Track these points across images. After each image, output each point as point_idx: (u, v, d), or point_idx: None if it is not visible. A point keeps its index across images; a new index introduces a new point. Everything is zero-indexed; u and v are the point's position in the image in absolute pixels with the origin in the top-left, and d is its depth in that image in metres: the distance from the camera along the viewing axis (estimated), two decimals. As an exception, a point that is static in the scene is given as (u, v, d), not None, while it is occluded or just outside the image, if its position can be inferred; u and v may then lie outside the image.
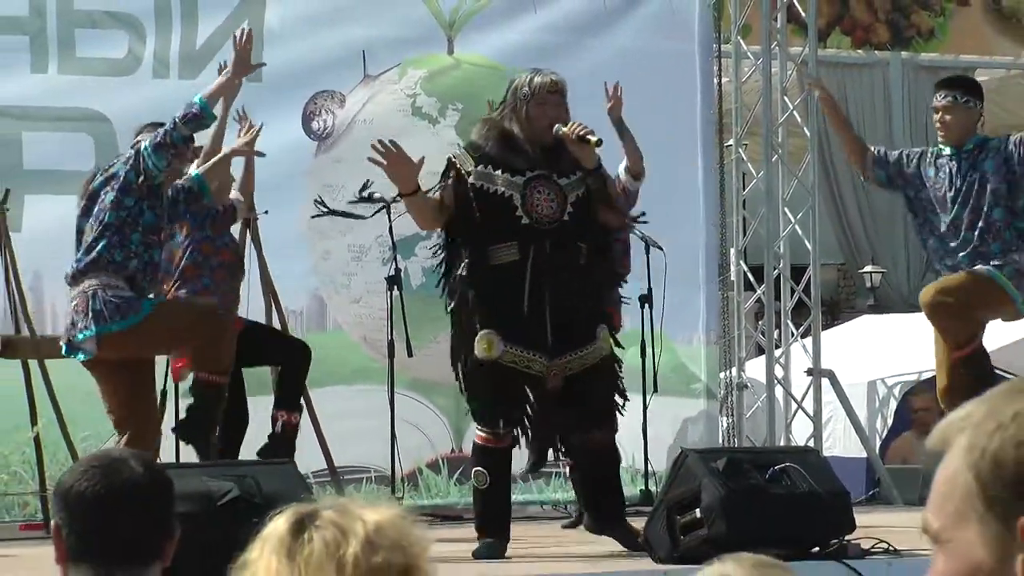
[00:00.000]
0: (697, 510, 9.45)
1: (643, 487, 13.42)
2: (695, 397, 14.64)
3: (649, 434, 13.12)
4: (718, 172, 14.91)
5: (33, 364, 11.89)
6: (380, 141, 9.99)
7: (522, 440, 9.99)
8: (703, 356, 14.70)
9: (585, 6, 14.69)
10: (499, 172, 9.75)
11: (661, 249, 12.92)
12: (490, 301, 9.73)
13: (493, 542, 9.73)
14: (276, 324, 12.30)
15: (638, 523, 10.38)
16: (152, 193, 10.13)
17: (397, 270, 12.42)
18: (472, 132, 10.24)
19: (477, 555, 9.62)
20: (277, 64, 13.62)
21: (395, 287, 12.30)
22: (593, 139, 9.79)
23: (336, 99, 13.71)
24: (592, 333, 9.85)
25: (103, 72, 13.31)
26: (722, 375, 14.80)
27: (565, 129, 9.78)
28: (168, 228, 10.52)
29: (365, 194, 11.49)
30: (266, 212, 12.00)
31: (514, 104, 9.84)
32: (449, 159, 10.01)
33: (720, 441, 14.26)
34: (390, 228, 12.37)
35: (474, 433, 9.99)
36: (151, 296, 10.44)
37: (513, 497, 13.98)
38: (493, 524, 9.89)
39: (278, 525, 3.55)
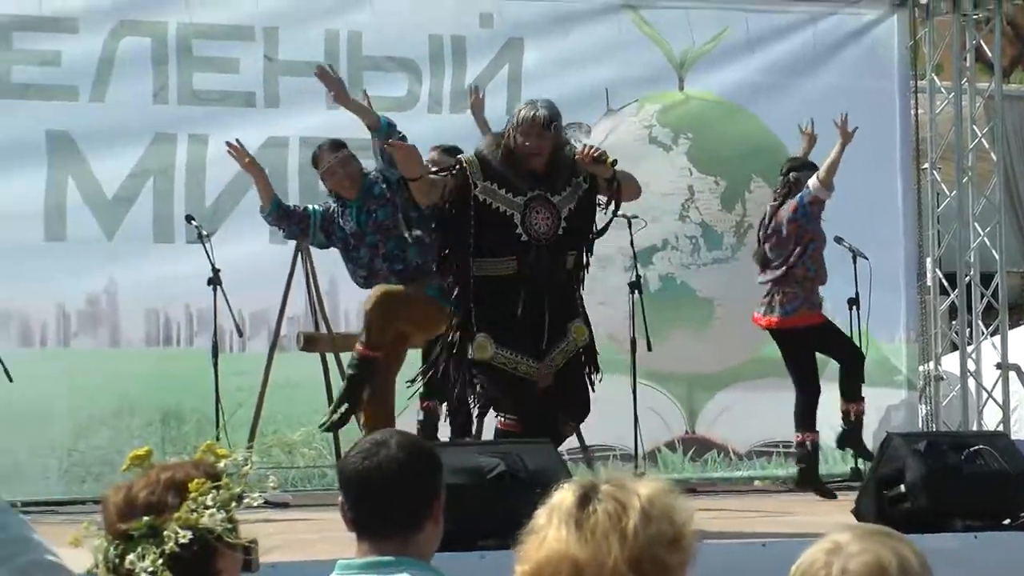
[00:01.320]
0: (902, 486, 9.38)
1: (853, 465, 13.37)
2: (897, 388, 14.52)
3: (857, 420, 13.07)
4: (915, 192, 14.78)
5: (330, 357, 12.04)
6: (390, 142, 9.92)
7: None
8: (904, 352, 14.58)
9: (797, 49, 14.62)
10: (502, 191, 9.54)
11: (867, 259, 12.89)
12: (486, 308, 9.56)
13: None
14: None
15: (849, 497, 10.31)
16: None
17: (638, 276, 12.46)
18: (483, 143, 9.94)
19: None
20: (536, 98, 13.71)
21: (636, 291, 12.33)
22: (608, 159, 9.61)
23: (583, 129, 13.70)
24: (564, 328, 9.66)
25: (386, 108, 13.27)
26: (921, 368, 14.64)
27: (579, 154, 9.63)
28: None
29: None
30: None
31: (507, 132, 9.61)
32: (460, 163, 9.68)
33: (920, 426, 14.10)
34: (631, 241, 12.40)
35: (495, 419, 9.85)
36: None
37: (738, 472, 14.04)
38: None
39: (565, 496, 3.53)
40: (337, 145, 11.29)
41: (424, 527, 4.56)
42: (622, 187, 9.79)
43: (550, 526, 3.52)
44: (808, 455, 12.34)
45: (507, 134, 9.59)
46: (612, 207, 9.82)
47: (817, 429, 12.39)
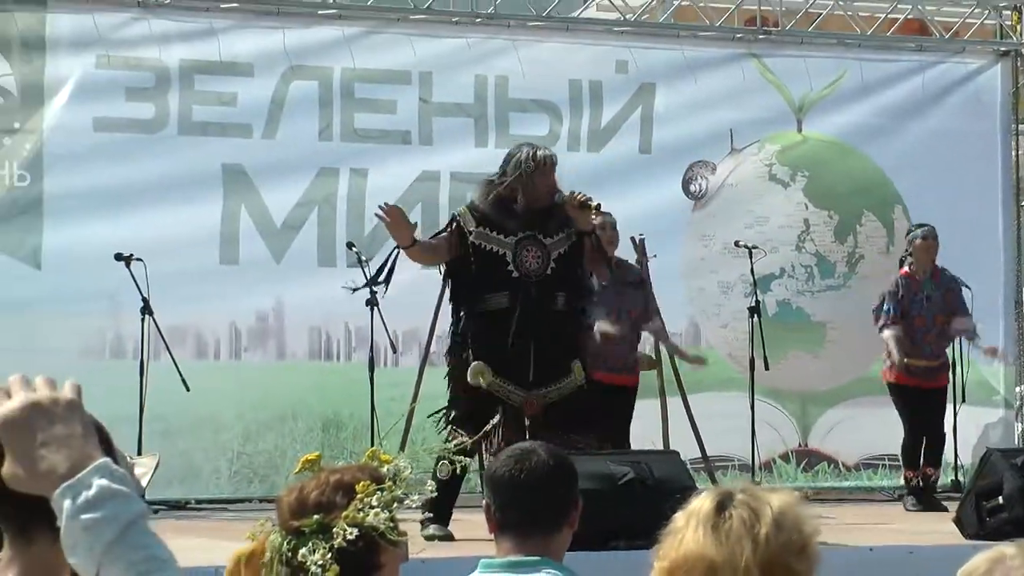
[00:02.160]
0: (1000, 497, 9.32)
1: (953, 477, 13.28)
2: (995, 407, 14.40)
3: (958, 435, 12.96)
4: (1015, 226, 14.67)
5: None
6: (384, 204, 9.79)
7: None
8: (1002, 374, 14.45)
9: (907, 94, 14.55)
10: (494, 233, 9.51)
11: (969, 288, 12.77)
12: (482, 339, 9.51)
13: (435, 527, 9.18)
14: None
15: (951, 506, 10.24)
16: None
17: (757, 302, 12.45)
18: (474, 193, 9.97)
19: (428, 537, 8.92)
20: (663, 139, 13.74)
21: (755, 315, 12.32)
22: (593, 203, 9.53)
23: (709, 167, 13.71)
24: (568, 367, 9.58)
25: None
26: (1017, 389, 14.53)
27: (567, 197, 9.56)
28: None
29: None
30: (655, 256, 11.94)
31: (518, 174, 9.53)
32: (454, 217, 9.74)
33: (1016, 442, 13.99)
34: (751, 269, 12.40)
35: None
36: None
37: (847, 483, 13.95)
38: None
39: (703, 503, 3.55)
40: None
41: (563, 530, 4.60)
42: (596, 251, 9.86)
43: (688, 528, 3.54)
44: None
45: (521, 177, 9.53)
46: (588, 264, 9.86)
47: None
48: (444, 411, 9.84)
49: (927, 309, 12.24)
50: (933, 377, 12.29)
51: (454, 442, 9.10)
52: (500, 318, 9.48)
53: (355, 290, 11.40)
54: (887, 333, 12.07)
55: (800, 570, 3.49)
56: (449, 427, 9.69)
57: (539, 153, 9.67)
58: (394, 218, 9.65)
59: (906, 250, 12.39)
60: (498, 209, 9.56)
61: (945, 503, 11.77)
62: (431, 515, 8.80)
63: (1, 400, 2.19)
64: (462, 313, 9.68)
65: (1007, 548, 3.34)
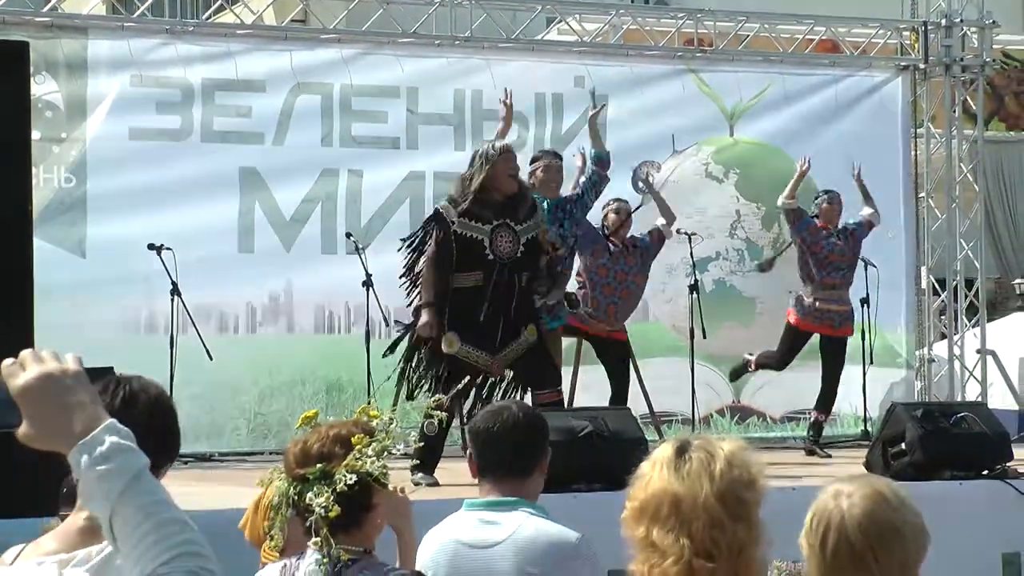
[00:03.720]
0: (903, 444, 9.35)
1: (863, 428, 13.31)
2: (899, 368, 14.41)
3: (867, 392, 13.00)
4: (914, 215, 14.70)
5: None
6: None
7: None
8: (904, 340, 14.46)
9: (823, 103, 14.57)
10: (473, 221, 9.48)
11: (875, 267, 12.80)
12: (456, 311, 9.50)
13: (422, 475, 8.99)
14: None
15: (860, 453, 10.25)
16: None
17: (696, 281, 12.46)
18: (452, 190, 9.85)
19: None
20: (615, 142, 13.67)
21: (694, 292, 12.32)
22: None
23: (654, 166, 13.68)
24: (518, 331, 9.58)
25: None
26: (917, 353, 14.56)
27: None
28: None
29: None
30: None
31: (482, 164, 9.54)
32: (437, 211, 9.71)
33: (916, 398, 14.01)
34: (691, 252, 12.41)
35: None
36: None
37: (773, 433, 13.97)
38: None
39: (666, 449, 3.57)
40: (558, 155, 11.15)
41: (534, 474, 4.60)
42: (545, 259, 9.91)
43: (654, 471, 3.55)
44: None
45: (484, 166, 9.54)
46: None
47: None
48: (420, 370, 9.77)
49: (837, 249, 12.24)
50: (839, 325, 12.27)
51: (432, 399, 9.06)
52: (474, 294, 9.46)
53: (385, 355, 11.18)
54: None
55: (751, 500, 3.51)
56: (430, 387, 9.64)
57: (496, 144, 9.72)
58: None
59: (813, 212, 12.39)
60: (474, 200, 9.50)
61: (855, 450, 11.84)
62: (418, 463, 8.75)
63: (17, 372, 2.20)
64: (437, 293, 9.56)
65: (839, 485, 3.45)
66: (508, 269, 9.52)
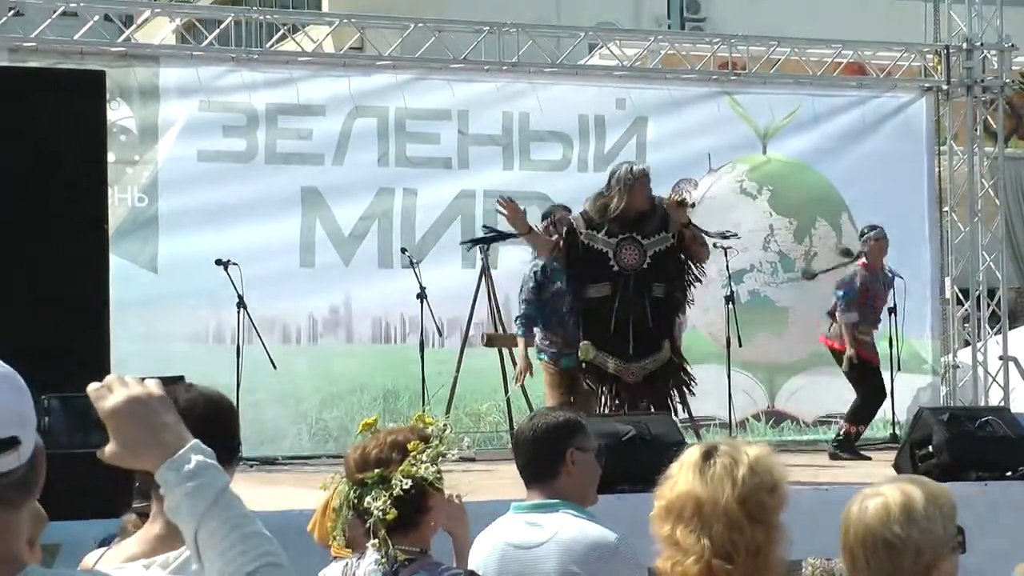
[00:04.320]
0: (930, 447, 9.28)
1: (892, 432, 13.23)
2: (925, 374, 14.32)
3: (895, 397, 12.90)
4: (939, 228, 14.62)
5: (504, 350, 12.05)
6: (501, 198, 9.79)
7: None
8: (930, 347, 14.37)
9: (852, 122, 14.51)
10: (600, 234, 9.51)
11: (902, 278, 12.71)
12: (588, 321, 9.53)
13: None
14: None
15: (889, 455, 10.18)
16: None
17: (732, 292, 12.39)
18: (585, 203, 9.84)
19: None
20: (655, 161, 13.64)
21: (730, 302, 12.27)
22: (689, 201, 9.77)
23: (692, 183, 13.59)
24: (658, 345, 9.59)
25: (546, 169, 13.43)
26: (943, 359, 14.48)
27: (665, 200, 9.67)
28: None
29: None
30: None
31: (620, 186, 9.53)
32: (569, 222, 9.71)
33: (942, 402, 13.93)
34: (727, 265, 12.33)
35: None
36: None
37: (806, 436, 13.89)
38: None
39: (693, 453, 3.55)
40: (567, 209, 10.63)
41: (560, 476, 4.58)
42: (695, 239, 9.77)
43: (681, 473, 3.54)
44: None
45: (622, 189, 9.53)
46: (691, 257, 9.81)
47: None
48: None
49: (883, 291, 12.21)
50: (876, 351, 12.23)
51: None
52: (603, 304, 9.49)
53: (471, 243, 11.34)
54: (842, 317, 12.00)
55: (771, 504, 3.49)
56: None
57: (635, 168, 9.74)
58: (511, 211, 9.57)
59: (862, 248, 12.32)
60: (604, 215, 9.55)
61: (884, 452, 11.75)
62: None
63: (105, 395, 2.22)
64: (570, 298, 9.70)
65: (875, 487, 3.42)
66: (635, 280, 9.51)
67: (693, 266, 9.91)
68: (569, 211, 10.78)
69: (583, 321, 9.55)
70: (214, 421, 3.20)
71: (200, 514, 2.19)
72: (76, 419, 2.21)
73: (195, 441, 2.24)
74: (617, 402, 9.64)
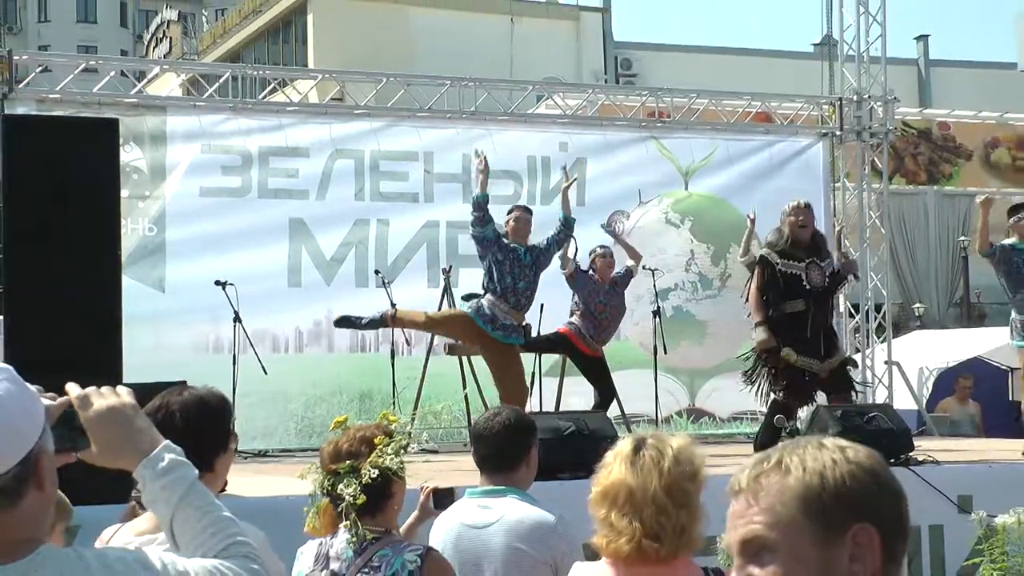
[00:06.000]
0: (826, 439, 9.30)
1: (795, 426, 13.22)
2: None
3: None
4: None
5: (464, 359, 12.03)
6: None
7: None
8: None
9: (760, 162, 14.57)
10: (791, 261, 9.70)
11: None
12: (787, 331, 9.66)
13: None
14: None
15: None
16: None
17: (658, 307, 12.39)
18: (771, 237, 9.99)
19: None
20: (593, 195, 13.70)
21: (657, 316, 12.26)
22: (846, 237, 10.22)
23: (625, 215, 13.70)
24: (838, 346, 9.91)
25: (500, 202, 13.07)
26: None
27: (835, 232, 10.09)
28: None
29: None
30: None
31: (787, 220, 9.82)
32: (762, 256, 9.87)
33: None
34: (654, 284, 12.36)
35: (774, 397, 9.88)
36: None
37: (722, 430, 13.87)
38: None
39: (625, 445, 3.55)
40: (528, 209, 10.73)
41: (520, 469, 4.57)
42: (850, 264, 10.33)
43: (614, 463, 3.53)
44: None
45: (784, 220, 9.82)
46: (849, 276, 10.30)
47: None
48: (764, 376, 9.92)
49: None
50: None
51: (777, 400, 9.77)
52: (799, 316, 9.66)
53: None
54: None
55: (693, 490, 3.49)
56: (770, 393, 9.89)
57: (793, 204, 9.96)
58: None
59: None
60: (788, 244, 9.75)
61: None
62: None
63: (87, 404, 2.22)
64: (771, 312, 9.75)
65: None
66: (821, 296, 9.75)
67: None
68: (530, 212, 10.78)
69: (782, 331, 9.68)
70: (208, 414, 3.22)
71: (174, 504, 2.20)
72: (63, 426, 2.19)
73: (166, 442, 2.25)
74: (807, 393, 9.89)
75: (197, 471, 2.26)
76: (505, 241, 10.23)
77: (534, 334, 11.00)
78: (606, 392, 11.28)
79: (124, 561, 2.06)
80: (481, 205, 10.27)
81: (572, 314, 11.44)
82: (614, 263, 11.61)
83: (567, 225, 10.63)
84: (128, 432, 2.22)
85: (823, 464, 1.81)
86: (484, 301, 10.21)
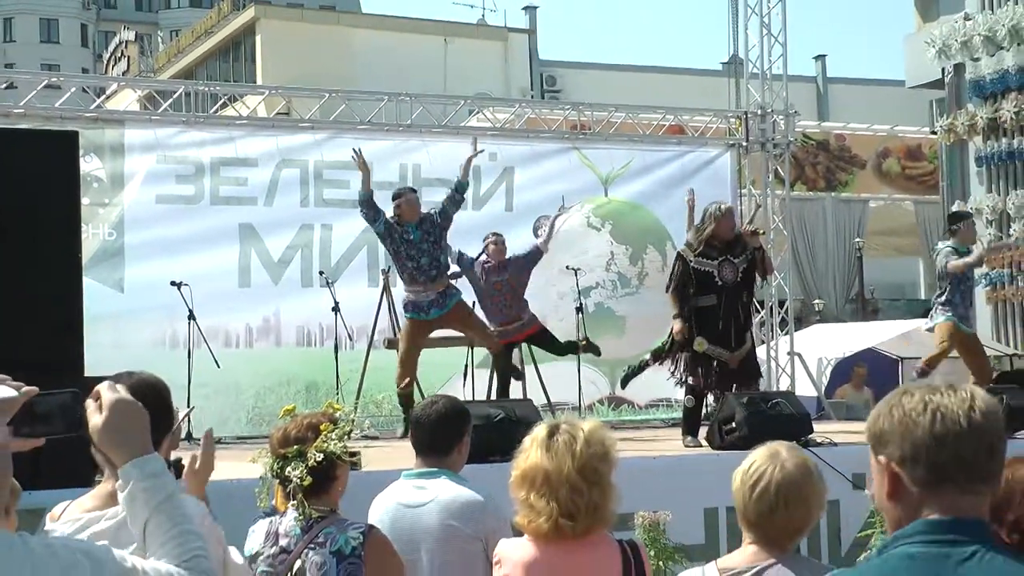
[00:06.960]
0: (733, 423, 9.37)
1: (705, 411, 13.32)
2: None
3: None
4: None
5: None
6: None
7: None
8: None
9: (673, 171, 14.64)
10: (705, 259, 9.68)
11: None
12: (702, 322, 9.67)
13: (691, 439, 9.73)
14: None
15: (703, 431, 10.29)
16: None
17: (581, 304, 12.42)
18: (689, 236, 9.96)
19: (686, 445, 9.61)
20: (520, 202, 13.71)
21: (580, 312, 12.29)
22: (761, 232, 10.03)
23: (549, 219, 13.71)
24: (745, 338, 9.83)
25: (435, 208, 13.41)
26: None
27: (743, 229, 9.98)
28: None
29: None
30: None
31: (711, 219, 9.72)
32: (679, 253, 9.90)
33: (744, 388, 14.09)
34: (577, 283, 12.39)
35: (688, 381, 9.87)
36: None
37: (640, 416, 13.97)
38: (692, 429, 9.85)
39: (540, 431, 3.58)
40: (413, 190, 10.88)
41: (452, 453, 4.59)
42: (765, 258, 10.05)
43: (531, 448, 3.55)
44: None
45: (711, 222, 9.69)
46: (760, 273, 10.03)
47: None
48: (675, 359, 9.88)
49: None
50: None
51: (689, 381, 9.73)
52: (711, 310, 9.63)
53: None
54: None
55: (604, 470, 3.52)
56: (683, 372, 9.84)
57: (722, 206, 9.89)
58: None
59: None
60: (704, 244, 9.68)
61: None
62: (688, 433, 9.70)
63: (109, 392, 2.24)
64: (685, 308, 9.71)
65: (776, 445, 3.36)
66: (732, 291, 9.70)
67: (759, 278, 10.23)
68: (415, 191, 10.76)
69: (696, 322, 9.65)
70: (155, 395, 3.22)
71: (152, 507, 2.20)
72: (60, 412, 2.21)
73: (156, 453, 2.27)
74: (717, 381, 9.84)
75: (178, 484, 2.29)
76: (397, 228, 10.34)
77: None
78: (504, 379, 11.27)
79: (68, 548, 2.03)
80: (365, 202, 10.39)
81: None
82: (506, 249, 11.54)
83: (459, 189, 10.72)
84: (133, 428, 2.23)
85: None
86: (403, 295, 10.44)
